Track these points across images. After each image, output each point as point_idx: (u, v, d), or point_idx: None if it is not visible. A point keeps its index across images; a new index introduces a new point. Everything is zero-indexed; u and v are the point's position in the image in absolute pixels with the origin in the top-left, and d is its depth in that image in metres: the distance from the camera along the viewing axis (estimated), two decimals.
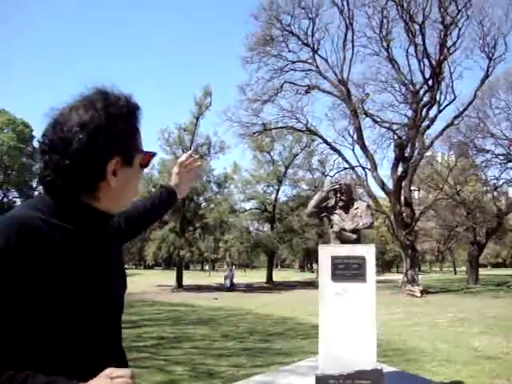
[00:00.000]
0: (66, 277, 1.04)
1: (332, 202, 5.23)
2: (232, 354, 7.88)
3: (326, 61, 27.21)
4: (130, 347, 7.81)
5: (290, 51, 28.00)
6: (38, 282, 1.00)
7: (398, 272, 56.71)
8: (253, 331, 10.77)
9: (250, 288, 31.64)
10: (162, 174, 30.13)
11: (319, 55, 27.44)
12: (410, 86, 26.81)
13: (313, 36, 27.07)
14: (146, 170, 1.38)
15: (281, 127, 30.55)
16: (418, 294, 21.25)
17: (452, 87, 26.30)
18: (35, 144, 43.71)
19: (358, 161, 29.05)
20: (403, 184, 26.14)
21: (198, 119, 31.32)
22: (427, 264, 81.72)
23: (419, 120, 25.62)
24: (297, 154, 38.68)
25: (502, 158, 31.48)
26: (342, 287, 4.63)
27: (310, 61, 27.79)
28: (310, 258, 66.26)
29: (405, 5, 24.44)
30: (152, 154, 1.31)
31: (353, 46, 26.37)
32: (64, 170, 1.08)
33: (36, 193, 45.88)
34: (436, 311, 14.72)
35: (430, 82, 25.55)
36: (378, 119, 28.66)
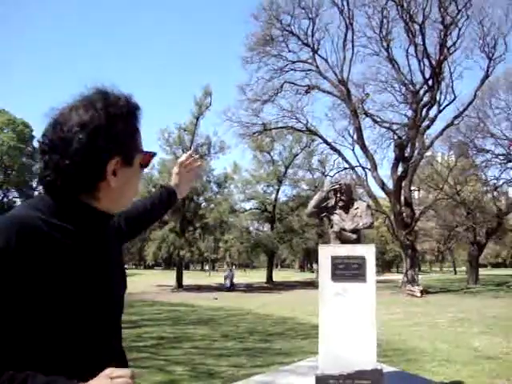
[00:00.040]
0: (66, 277, 1.04)
1: (332, 201, 5.23)
2: (232, 354, 7.88)
3: (326, 61, 27.25)
4: (130, 347, 7.81)
5: (290, 51, 28.05)
6: (38, 282, 1.00)
7: (398, 272, 56.71)
8: (253, 331, 10.77)
9: (250, 288, 31.65)
10: (162, 174, 30.13)
11: (319, 55, 27.49)
12: (410, 85, 26.81)
13: (313, 36, 27.12)
14: (145, 170, 1.39)
15: (281, 127, 30.55)
16: (418, 294, 21.26)
17: (452, 87, 26.35)
18: (35, 144, 43.69)
19: (358, 161, 29.11)
20: (403, 184, 26.14)
21: (198, 119, 31.33)
22: (427, 264, 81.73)
23: (419, 120, 25.62)
24: (297, 154, 38.69)
25: (502, 157, 31.50)
26: (342, 287, 4.63)
27: (309, 61, 27.81)
28: (310, 258, 66.25)
29: (405, 5, 24.44)
30: (152, 154, 1.31)
31: (353, 46, 26.41)
32: (64, 169, 1.08)
33: (36, 193, 45.87)
34: (436, 311, 14.72)
35: (430, 82, 25.55)
36: (378, 119, 28.69)
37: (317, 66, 27.35)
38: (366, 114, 28.07)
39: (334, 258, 4.69)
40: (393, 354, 7.66)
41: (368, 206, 5.33)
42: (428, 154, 30.01)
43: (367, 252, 4.69)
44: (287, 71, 28.33)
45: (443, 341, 9.10)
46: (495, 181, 32.36)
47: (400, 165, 26.65)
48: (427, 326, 11.31)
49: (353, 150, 29.50)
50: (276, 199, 38.86)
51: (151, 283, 33.15)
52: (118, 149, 1.14)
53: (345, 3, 25.60)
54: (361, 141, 26.61)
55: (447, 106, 26.56)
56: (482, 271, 38.48)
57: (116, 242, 1.34)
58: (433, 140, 27.34)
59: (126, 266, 1.45)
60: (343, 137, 30.23)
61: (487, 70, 25.94)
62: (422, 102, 26.13)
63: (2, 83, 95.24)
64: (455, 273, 58.85)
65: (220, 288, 29.74)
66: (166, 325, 11.88)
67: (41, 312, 1.01)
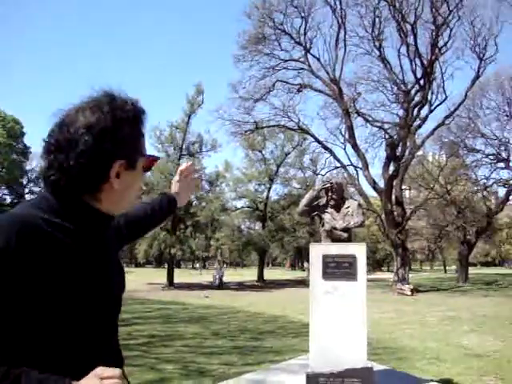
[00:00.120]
0: (67, 276, 1.05)
1: (323, 200, 5.23)
2: (223, 352, 7.87)
3: (318, 60, 27.33)
4: (121, 345, 7.76)
5: (282, 50, 28.08)
6: (38, 281, 1.00)
7: (388, 271, 56.95)
8: (244, 329, 10.77)
9: (241, 286, 31.67)
10: (154, 172, 29.99)
11: (311, 54, 27.54)
12: (402, 85, 26.94)
13: (305, 35, 27.17)
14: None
15: (273, 126, 30.57)
16: (409, 293, 21.40)
17: (443, 87, 26.55)
18: (26, 141, 43.45)
19: (350, 160, 29.27)
20: (394, 183, 26.27)
21: (189, 117, 31.28)
22: (418, 263, 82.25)
23: (410, 119, 25.77)
24: (288, 153, 38.67)
25: (492, 157, 31.78)
26: (333, 285, 4.63)
27: (302, 59, 27.85)
28: (301, 257, 66.37)
29: (397, 5, 24.56)
30: (155, 158, 1.33)
31: (345, 45, 26.53)
32: (68, 170, 1.09)
33: (26, 190, 45.59)
34: (426, 310, 14.82)
35: (422, 82, 25.70)
36: (370, 118, 28.79)
37: (309, 65, 27.41)
38: (358, 113, 28.14)
39: (325, 257, 4.69)
40: (383, 352, 7.70)
41: (359, 205, 5.33)
42: (419, 153, 30.22)
43: (358, 251, 4.70)
44: (279, 70, 28.40)
45: (433, 339, 9.16)
46: (485, 180, 32.67)
47: (391, 164, 26.78)
48: (417, 325, 11.38)
49: (344, 148, 29.68)
50: (267, 198, 38.87)
51: (142, 281, 32.99)
52: (123, 152, 1.15)
53: (337, 2, 25.74)
54: (352, 140, 26.69)
55: (438, 105, 26.82)
56: (471, 270, 38.80)
57: (116, 243, 1.37)
58: (424, 139, 27.51)
59: None
60: (335, 136, 30.40)
61: (478, 71, 26.20)
62: (414, 102, 26.29)
63: (1, 83, 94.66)
64: (445, 271, 59.41)
65: (211, 286, 29.75)
66: (156, 323, 11.86)
67: (41, 311, 1.01)
